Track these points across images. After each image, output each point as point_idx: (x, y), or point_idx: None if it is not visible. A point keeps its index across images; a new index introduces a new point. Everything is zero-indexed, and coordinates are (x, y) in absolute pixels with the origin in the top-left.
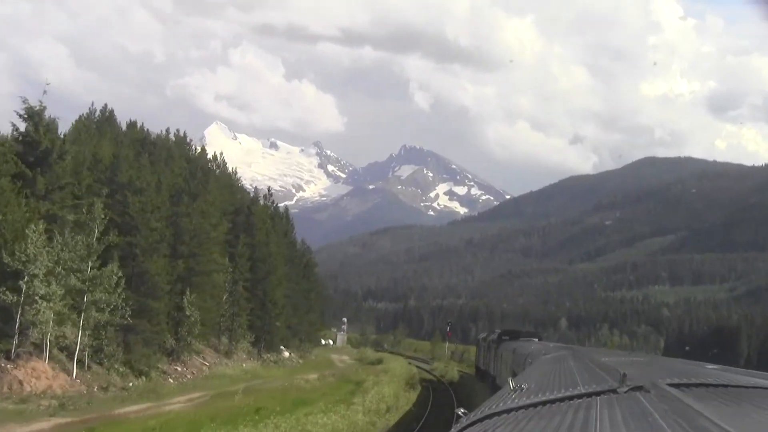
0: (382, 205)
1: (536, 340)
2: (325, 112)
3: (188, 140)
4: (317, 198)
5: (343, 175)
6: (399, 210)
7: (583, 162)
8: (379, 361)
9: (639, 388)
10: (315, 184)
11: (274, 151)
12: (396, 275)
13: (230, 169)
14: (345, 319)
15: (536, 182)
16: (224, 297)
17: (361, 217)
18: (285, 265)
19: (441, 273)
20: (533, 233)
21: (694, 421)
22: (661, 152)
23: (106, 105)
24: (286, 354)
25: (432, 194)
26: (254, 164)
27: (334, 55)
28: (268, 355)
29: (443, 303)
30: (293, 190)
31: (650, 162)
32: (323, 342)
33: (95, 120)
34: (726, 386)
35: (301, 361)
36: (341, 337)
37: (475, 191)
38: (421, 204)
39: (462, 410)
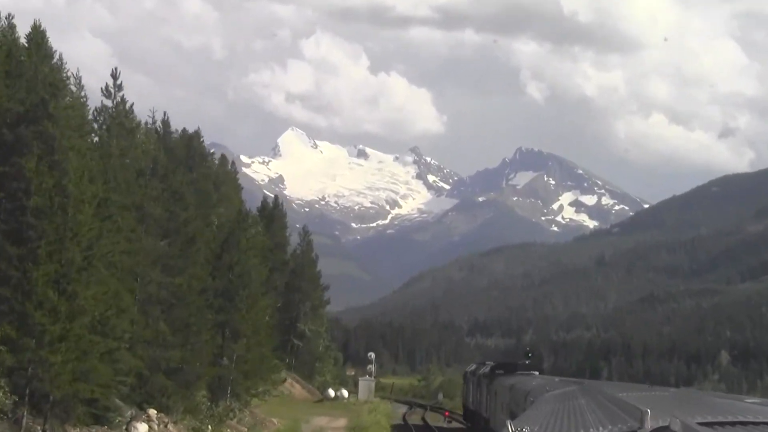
0: (494, 220)
1: (537, 373)
2: (422, 111)
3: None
4: (416, 215)
5: (447, 187)
6: (515, 226)
7: (736, 159)
8: None
9: (664, 429)
10: (413, 199)
11: (362, 161)
12: (511, 304)
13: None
14: (372, 356)
15: (679, 186)
16: None
17: (470, 236)
18: (160, 239)
19: (566, 300)
20: (679, 248)
21: None
22: None
23: None
24: (143, 429)
25: (554, 206)
26: (339, 177)
27: (428, 41)
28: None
29: (568, 337)
30: (387, 207)
31: None
32: (332, 394)
33: None
34: (767, 424)
35: None
36: (365, 385)
37: (606, 200)
38: (542, 218)
39: None
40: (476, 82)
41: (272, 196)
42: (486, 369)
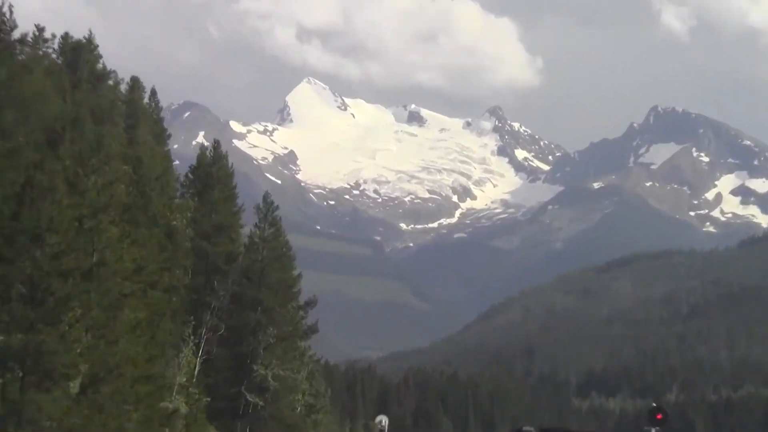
0: (617, 217)
1: None
2: (505, 53)
3: None
4: (498, 210)
5: (545, 167)
6: (649, 225)
7: None
8: None
9: None
10: (494, 185)
11: (415, 128)
12: (644, 345)
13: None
14: (384, 421)
15: None
16: None
17: (581, 242)
18: None
19: (731, 339)
20: None
21: None
22: None
23: None
24: None
25: (709, 194)
26: (381, 153)
27: None
28: None
29: (735, 395)
30: (454, 198)
31: None
32: None
33: None
34: None
35: None
36: None
37: None
38: (691, 213)
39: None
40: (586, 8)
41: (278, 181)
42: None
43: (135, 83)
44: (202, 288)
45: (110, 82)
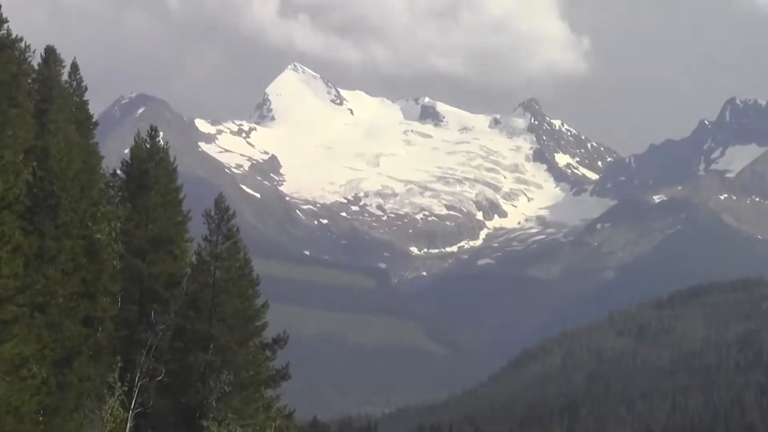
0: (684, 238)
1: None
2: (541, 31)
3: None
4: (535, 230)
5: (593, 176)
6: (724, 248)
7: None
8: None
9: None
10: (529, 199)
11: (430, 127)
12: (715, 399)
13: None
14: None
15: None
16: None
17: (639, 269)
18: None
19: None
20: None
21: None
22: None
23: None
24: None
25: None
26: (386, 158)
27: None
28: None
29: None
30: (479, 215)
31: None
32: None
33: None
34: None
35: None
36: None
37: None
38: None
39: None
40: None
41: (256, 195)
42: None
43: (50, 55)
44: (134, 321)
45: (15, 53)
